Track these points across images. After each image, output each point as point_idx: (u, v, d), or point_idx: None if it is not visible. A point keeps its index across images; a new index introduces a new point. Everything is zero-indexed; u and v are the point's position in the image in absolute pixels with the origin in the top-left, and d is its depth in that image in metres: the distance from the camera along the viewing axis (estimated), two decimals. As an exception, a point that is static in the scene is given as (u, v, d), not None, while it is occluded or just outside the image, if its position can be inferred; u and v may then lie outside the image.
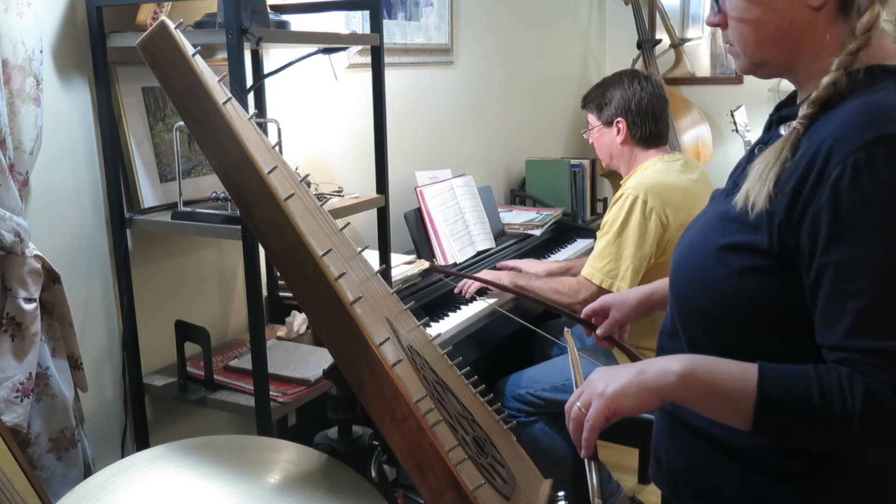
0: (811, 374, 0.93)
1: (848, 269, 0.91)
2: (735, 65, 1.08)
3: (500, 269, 2.56)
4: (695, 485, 1.14)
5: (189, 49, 1.15)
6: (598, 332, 1.44)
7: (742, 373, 0.96)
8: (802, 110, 0.98)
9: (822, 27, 0.98)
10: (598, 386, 1.03)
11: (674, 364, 0.99)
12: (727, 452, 1.08)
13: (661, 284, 1.39)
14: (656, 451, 1.21)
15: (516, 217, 3.12)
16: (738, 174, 1.11)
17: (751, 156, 1.09)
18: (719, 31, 1.08)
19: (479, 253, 2.70)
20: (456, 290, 2.41)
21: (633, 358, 1.44)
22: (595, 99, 2.53)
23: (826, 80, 0.96)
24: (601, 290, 2.24)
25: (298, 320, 2.07)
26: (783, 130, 1.05)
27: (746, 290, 1.01)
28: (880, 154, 0.89)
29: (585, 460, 1.08)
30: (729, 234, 1.03)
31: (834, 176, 0.91)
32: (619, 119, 2.44)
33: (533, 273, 2.52)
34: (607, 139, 2.50)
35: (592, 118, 2.55)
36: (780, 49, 1.02)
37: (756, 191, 0.99)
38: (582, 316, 1.46)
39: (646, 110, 2.43)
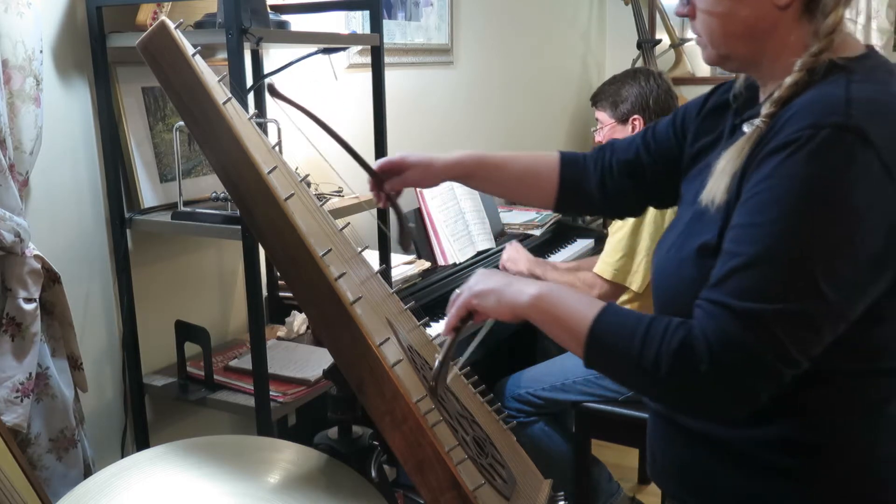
0: (644, 320, 0.95)
1: (738, 231, 0.94)
2: (702, 55, 1.10)
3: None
4: (688, 481, 1.15)
5: (189, 49, 1.15)
6: (387, 186, 1.33)
7: (587, 307, 1.00)
8: (765, 109, 0.99)
9: (787, 27, 1.00)
10: (472, 280, 1.11)
11: (532, 287, 1.04)
12: (716, 449, 1.09)
13: (471, 155, 1.32)
14: (651, 449, 1.21)
15: (516, 217, 3.12)
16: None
17: None
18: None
19: (479, 253, 2.70)
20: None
21: (400, 218, 1.37)
22: (609, 96, 2.49)
23: (789, 80, 0.98)
24: (613, 286, 2.24)
25: (298, 320, 2.07)
26: (746, 129, 1.06)
27: None
28: (813, 138, 0.90)
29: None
30: (701, 234, 1.04)
31: (769, 149, 0.94)
32: (636, 116, 2.42)
33: (550, 265, 2.50)
34: (619, 137, 2.49)
35: (604, 115, 2.51)
36: (746, 44, 1.03)
37: (716, 185, 1.01)
38: (376, 169, 1.32)
39: (661, 107, 2.41)
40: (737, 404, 0.94)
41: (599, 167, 1.33)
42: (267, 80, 1.16)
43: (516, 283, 1.06)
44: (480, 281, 1.09)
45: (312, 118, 1.27)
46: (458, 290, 1.12)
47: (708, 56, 1.08)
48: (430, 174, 1.32)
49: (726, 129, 1.14)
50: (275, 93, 1.17)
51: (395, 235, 1.37)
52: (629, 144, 1.32)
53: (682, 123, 1.25)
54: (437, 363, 1.06)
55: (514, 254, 2.44)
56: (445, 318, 1.14)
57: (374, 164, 1.32)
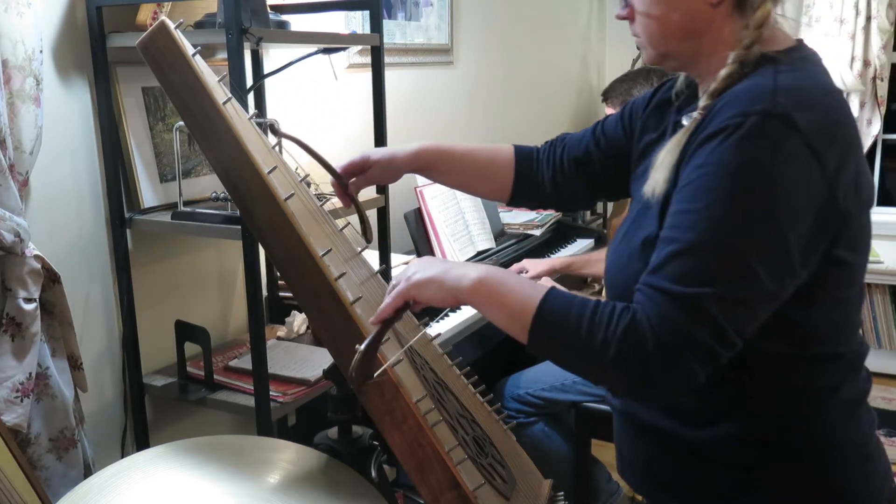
0: (589, 303, 0.96)
1: (674, 219, 0.96)
2: (643, 56, 1.13)
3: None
4: (655, 478, 1.17)
5: (189, 49, 1.15)
6: (351, 186, 1.37)
7: (531, 290, 1.00)
8: (702, 102, 1.03)
9: (720, 22, 1.04)
10: (410, 270, 1.07)
11: (473, 271, 1.03)
12: (678, 446, 1.11)
13: (429, 147, 1.36)
14: (618, 447, 1.23)
15: (516, 217, 3.12)
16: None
17: None
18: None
19: (479, 253, 2.70)
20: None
21: (361, 214, 1.40)
22: (620, 94, 2.50)
23: (724, 72, 1.02)
24: None
25: (298, 320, 2.07)
26: (685, 122, 1.09)
27: None
28: (742, 125, 0.93)
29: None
30: (645, 229, 1.07)
31: (702, 138, 0.97)
32: None
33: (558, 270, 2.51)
34: None
35: (613, 112, 2.53)
36: (683, 43, 1.07)
37: (656, 177, 1.04)
38: (339, 171, 1.37)
39: None
40: (677, 385, 0.94)
41: (551, 163, 1.36)
42: (269, 121, 1.16)
43: (456, 269, 1.05)
44: (419, 270, 1.06)
45: (304, 147, 1.32)
46: (394, 280, 1.09)
47: (648, 56, 1.12)
48: (392, 169, 1.36)
49: (669, 127, 1.17)
50: (277, 132, 1.18)
51: (360, 229, 1.42)
52: (580, 141, 1.35)
53: (630, 119, 1.28)
54: (357, 355, 1.00)
55: (543, 268, 2.44)
56: (380, 307, 1.09)
57: (338, 166, 1.35)
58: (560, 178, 1.35)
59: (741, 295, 0.92)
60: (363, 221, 1.40)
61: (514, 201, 1.41)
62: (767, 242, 0.92)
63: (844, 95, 1.04)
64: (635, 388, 0.95)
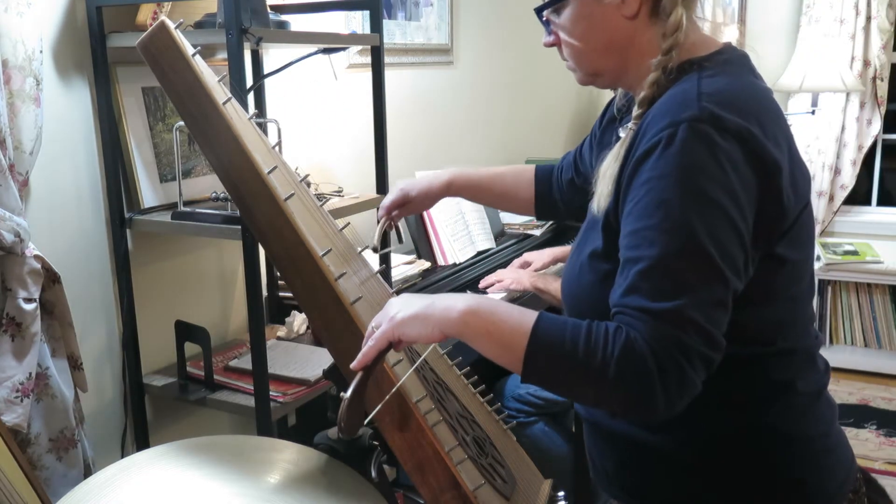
0: (583, 326, 0.96)
1: (633, 238, 0.97)
2: (575, 78, 1.18)
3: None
4: (625, 483, 1.18)
5: (189, 49, 1.16)
6: (394, 216, 1.52)
7: (521, 317, 0.98)
8: (635, 111, 1.05)
9: (640, 33, 1.07)
10: (391, 310, 1.04)
11: (460, 302, 1.01)
12: (642, 450, 1.12)
13: (459, 176, 1.50)
14: (590, 455, 1.24)
15: (516, 217, 3.12)
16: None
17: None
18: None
19: (479, 253, 2.70)
20: (481, 285, 2.41)
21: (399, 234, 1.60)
22: None
23: (649, 79, 1.04)
24: None
25: (298, 320, 2.07)
26: (622, 133, 1.10)
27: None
28: (674, 135, 0.95)
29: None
30: (593, 241, 1.08)
31: (636, 156, 0.99)
32: None
33: (551, 275, 2.50)
34: None
35: None
36: (610, 59, 1.10)
37: (600, 190, 1.06)
38: (385, 210, 1.51)
39: None
40: (681, 397, 0.94)
41: (557, 183, 1.48)
42: (384, 238, 1.19)
43: (440, 302, 1.02)
44: (401, 308, 1.02)
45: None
46: (373, 323, 1.04)
47: (579, 78, 1.16)
48: (429, 200, 1.52)
49: (614, 141, 1.18)
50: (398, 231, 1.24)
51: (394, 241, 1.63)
52: (570, 162, 1.45)
53: (595, 138, 1.35)
54: (343, 404, 0.97)
55: (516, 275, 2.44)
56: (362, 351, 1.03)
57: (384, 205, 1.51)
58: (565, 198, 1.46)
59: (716, 295, 0.94)
60: (397, 230, 1.58)
61: (540, 217, 1.55)
62: (725, 241, 0.94)
63: (773, 94, 1.09)
64: (638, 407, 0.94)
